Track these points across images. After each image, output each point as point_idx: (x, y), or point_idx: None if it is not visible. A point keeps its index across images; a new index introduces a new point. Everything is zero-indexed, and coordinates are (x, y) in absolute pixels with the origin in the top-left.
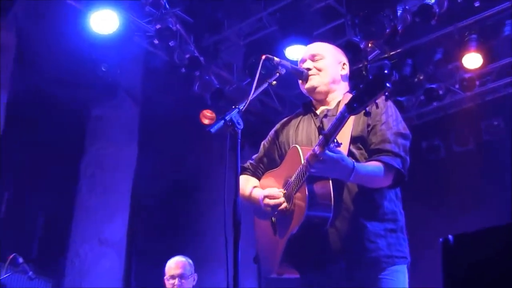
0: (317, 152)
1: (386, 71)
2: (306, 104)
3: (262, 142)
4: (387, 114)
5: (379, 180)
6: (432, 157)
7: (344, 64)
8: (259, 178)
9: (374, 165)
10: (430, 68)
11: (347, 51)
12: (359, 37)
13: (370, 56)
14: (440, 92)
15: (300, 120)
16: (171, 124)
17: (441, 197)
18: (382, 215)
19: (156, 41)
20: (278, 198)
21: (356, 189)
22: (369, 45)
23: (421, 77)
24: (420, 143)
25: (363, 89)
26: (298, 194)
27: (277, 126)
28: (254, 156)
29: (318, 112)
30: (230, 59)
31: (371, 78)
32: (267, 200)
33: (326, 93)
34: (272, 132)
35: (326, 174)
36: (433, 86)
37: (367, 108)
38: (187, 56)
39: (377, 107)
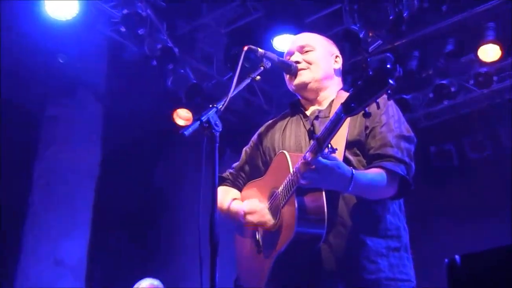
0: (309, 159)
1: (388, 65)
2: (294, 104)
3: (244, 148)
4: (387, 115)
5: (382, 190)
6: (442, 165)
7: (337, 56)
8: (240, 189)
9: (375, 173)
10: (440, 61)
11: (345, 42)
12: (358, 25)
13: (371, 48)
14: (452, 89)
15: (287, 122)
16: (140, 126)
17: (451, 211)
18: (384, 231)
19: (122, 29)
20: (261, 213)
21: (354, 200)
22: (370, 34)
23: (430, 72)
24: (428, 148)
25: (362, 86)
26: (286, 208)
27: (261, 129)
28: (234, 165)
29: (308, 113)
30: (209, 50)
31: (371, 74)
32: (248, 218)
33: (318, 91)
34: (255, 136)
35: (320, 185)
36: (444, 82)
37: (367, 109)
38: (159, 46)
39: (378, 107)
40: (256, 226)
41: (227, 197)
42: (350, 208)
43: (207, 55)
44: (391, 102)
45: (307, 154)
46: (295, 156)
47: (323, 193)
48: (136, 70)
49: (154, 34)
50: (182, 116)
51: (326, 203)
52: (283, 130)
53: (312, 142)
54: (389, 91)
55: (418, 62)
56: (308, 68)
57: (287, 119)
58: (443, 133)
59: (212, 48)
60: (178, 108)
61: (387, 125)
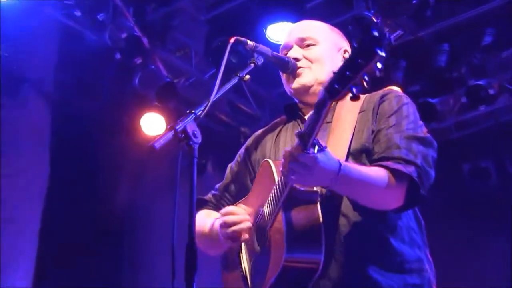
0: (291, 150)
1: (374, 32)
2: (291, 108)
3: (229, 165)
4: (399, 116)
5: (382, 192)
6: (478, 183)
7: (345, 51)
8: None
9: (372, 169)
10: (475, 56)
11: (355, 32)
12: (372, 11)
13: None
14: (491, 91)
15: (280, 130)
16: (98, 134)
17: (490, 237)
18: (400, 263)
19: (77, 13)
20: (238, 211)
21: (359, 217)
22: (388, 22)
23: (463, 70)
24: (460, 164)
25: (346, 63)
26: (274, 227)
27: (249, 141)
28: (218, 185)
29: (306, 117)
30: (186, 41)
31: (355, 45)
32: (223, 219)
33: None
34: (242, 149)
35: (307, 181)
36: (480, 83)
37: (354, 89)
38: (124, 35)
39: (382, 99)
40: (234, 231)
41: (208, 218)
42: (353, 227)
43: (184, 47)
44: (408, 101)
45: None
46: (280, 163)
47: (318, 205)
48: (94, 65)
49: (117, 20)
50: (152, 123)
51: (323, 221)
52: (276, 139)
53: (296, 141)
54: (378, 65)
55: (448, 58)
56: (309, 67)
57: (280, 126)
58: (480, 146)
59: (190, 38)
60: (147, 112)
61: (396, 127)
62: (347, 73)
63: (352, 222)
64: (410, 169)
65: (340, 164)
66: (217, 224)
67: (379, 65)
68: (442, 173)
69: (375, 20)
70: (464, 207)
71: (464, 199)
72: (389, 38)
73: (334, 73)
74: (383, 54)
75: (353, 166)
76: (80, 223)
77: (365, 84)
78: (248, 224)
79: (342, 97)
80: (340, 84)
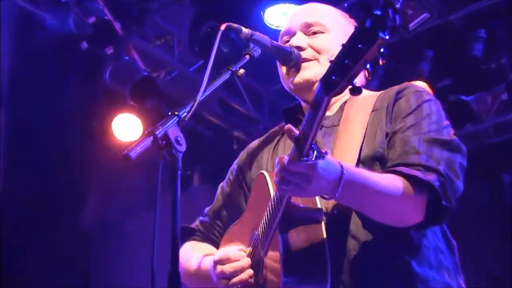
0: (285, 162)
1: (377, 11)
2: (291, 111)
3: (220, 185)
4: (419, 115)
5: (396, 203)
6: None
7: None
8: (216, 243)
9: (384, 176)
10: None
11: (350, 12)
12: None
13: (413, 24)
14: None
15: (279, 140)
16: (60, 139)
17: None
18: None
19: None
20: (235, 258)
21: (371, 237)
22: (411, 3)
23: (503, 61)
24: (499, 174)
25: (345, 49)
26: (270, 254)
27: (242, 155)
28: (207, 209)
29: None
30: (168, 27)
31: (355, 29)
32: (219, 268)
33: None
34: (234, 166)
35: (304, 193)
36: None
37: (355, 81)
38: (92, 20)
39: (398, 96)
40: (233, 283)
41: (195, 253)
42: (365, 253)
43: (164, 34)
44: (429, 97)
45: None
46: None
47: (323, 225)
48: (56, 56)
49: (84, 2)
50: (126, 127)
51: (328, 245)
52: (273, 151)
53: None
54: (382, 51)
55: (484, 47)
56: (316, 58)
57: (278, 137)
58: None
59: (172, 24)
60: (120, 113)
61: (415, 128)
62: (346, 61)
63: (363, 244)
64: (430, 177)
65: (342, 168)
66: (206, 264)
67: (382, 51)
68: (477, 185)
69: None
70: (503, 225)
71: (504, 215)
72: (393, 17)
73: (330, 61)
74: (386, 37)
75: (358, 170)
76: (39, 247)
77: (367, 75)
78: (250, 272)
79: (341, 91)
80: (339, 75)
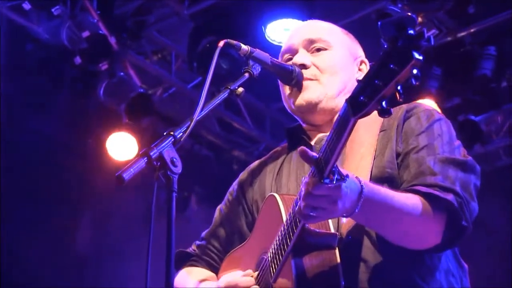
0: (310, 189)
1: (411, 31)
2: (293, 131)
3: (218, 207)
4: (431, 135)
5: (416, 222)
6: None
7: (362, 62)
8: (214, 268)
9: (403, 194)
10: None
11: (385, 30)
12: (400, 4)
13: None
14: None
15: (283, 161)
16: (53, 159)
17: None
18: None
19: (26, 6)
20: (243, 285)
21: (382, 262)
22: (420, 19)
23: None
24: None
25: (374, 69)
26: (280, 280)
27: (243, 175)
28: (204, 233)
29: (313, 142)
30: (165, 42)
31: (386, 47)
32: None
33: (331, 113)
34: (234, 187)
35: (330, 214)
36: None
37: (384, 103)
38: (86, 34)
39: (407, 115)
40: None
41: (191, 279)
42: (376, 278)
43: (162, 49)
44: (440, 116)
45: (306, 181)
46: (289, 198)
47: (336, 252)
48: (48, 72)
49: (78, 15)
50: (121, 146)
51: (342, 271)
52: (278, 171)
53: (312, 169)
54: (415, 72)
55: (494, 65)
56: (317, 79)
57: (282, 156)
58: None
59: (170, 39)
60: (115, 132)
61: (428, 148)
62: (376, 81)
63: (375, 269)
64: (448, 197)
65: (361, 184)
66: None
67: (415, 72)
68: (488, 210)
69: (410, 14)
70: None
71: None
72: (428, 38)
73: (359, 81)
74: (420, 57)
75: (376, 187)
76: (35, 270)
77: (398, 96)
78: None
79: (369, 112)
80: (368, 95)
